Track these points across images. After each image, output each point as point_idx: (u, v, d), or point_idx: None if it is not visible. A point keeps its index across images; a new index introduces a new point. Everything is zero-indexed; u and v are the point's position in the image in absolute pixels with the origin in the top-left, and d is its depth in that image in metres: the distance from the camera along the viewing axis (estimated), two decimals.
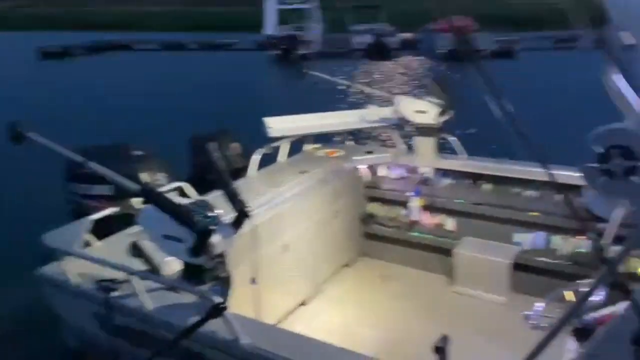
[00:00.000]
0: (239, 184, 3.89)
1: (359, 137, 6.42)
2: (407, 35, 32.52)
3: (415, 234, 5.09)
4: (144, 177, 4.93)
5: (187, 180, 4.38)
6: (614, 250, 4.08)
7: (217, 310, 2.27)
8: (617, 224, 3.15)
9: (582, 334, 2.01)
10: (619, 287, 1.34)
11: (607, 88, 1.38)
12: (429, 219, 5.06)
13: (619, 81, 1.29)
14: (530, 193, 4.60)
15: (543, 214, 4.52)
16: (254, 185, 4.51)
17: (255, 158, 4.87)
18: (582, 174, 1.33)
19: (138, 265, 2.99)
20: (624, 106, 1.30)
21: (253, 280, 2.98)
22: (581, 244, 4.40)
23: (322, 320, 4.40)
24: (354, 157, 5.15)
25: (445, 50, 27.19)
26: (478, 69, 1.45)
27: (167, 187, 3.91)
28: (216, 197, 2.78)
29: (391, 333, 4.18)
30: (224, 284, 2.50)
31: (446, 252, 4.82)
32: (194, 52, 33.52)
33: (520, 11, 39.59)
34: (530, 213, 4.59)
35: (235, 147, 6.11)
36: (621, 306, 2.18)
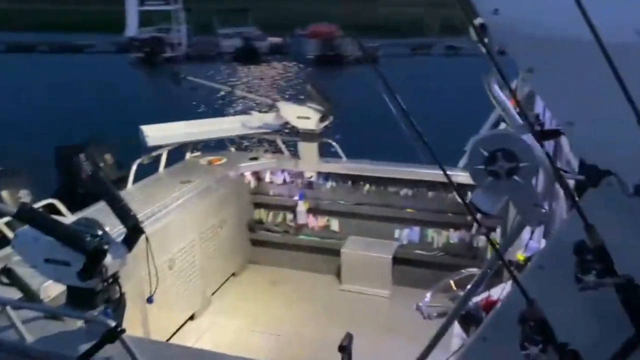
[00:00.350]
0: None
1: (242, 143, 6.39)
2: (276, 39, 32.92)
3: (303, 237, 5.20)
4: (5, 195, 4.43)
5: (54, 196, 4.03)
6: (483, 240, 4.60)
7: (114, 335, 2.13)
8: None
9: (466, 319, 2.23)
10: (508, 271, 1.51)
11: (489, 95, 1.55)
12: (315, 222, 5.20)
13: (499, 89, 1.46)
14: (405, 191, 4.94)
15: (418, 210, 4.88)
16: (134, 198, 4.28)
17: (133, 169, 4.62)
18: (471, 176, 1.48)
19: (10, 293, 2.69)
20: (505, 113, 1.48)
21: (149, 299, 2.83)
22: (452, 236, 4.85)
23: (214, 333, 4.32)
24: (239, 164, 5.12)
25: (313, 56, 27.98)
26: (376, 71, 1.54)
27: (36, 205, 3.56)
28: (96, 213, 2.60)
29: (285, 337, 4.22)
30: (116, 306, 2.35)
31: (333, 252, 4.99)
32: (45, 54, 30.69)
33: (381, 19, 42.15)
34: (407, 210, 4.93)
35: (108, 158, 5.75)
36: (496, 290, 2.45)
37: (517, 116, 1.48)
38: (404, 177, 4.91)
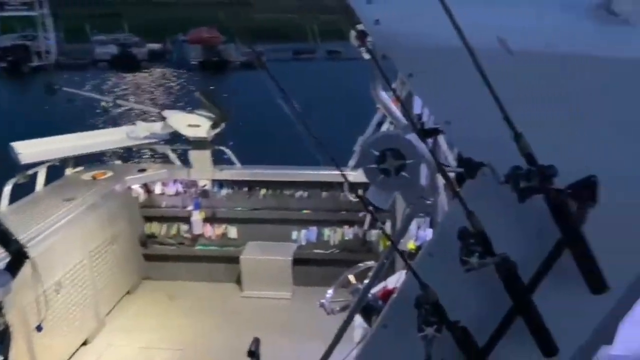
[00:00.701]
0: None
1: (128, 155, 6.09)
2: (156, 45, 31.74)
3: (200, 247, 5.10)
4: None
5: None
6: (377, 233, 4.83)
7: None
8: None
9: (366, 310, 2.34)
10: (403, 260, 1.63)
11: (374, 98, 1.66)
12: (211, 231, 5.12)
13: (385, 94, 1.57)
14: (301, 193, 5.04)
15: (313, 210, 5.01)
16: (11, 221, 3.92)
17: (7, 189, 4.23)
18: (365, 174, 1.57)
19: None
20: (392, 115, 1.60)
21: (39, 327, 2.62)
22: (347, 233, 5.04)
23: (111, 355, 4.09)
24: (125, 177, 4.89)
25: (197, 62, 27.37)
26: (270, 76, 1.58)
27: None
28: None
29: (189, 350, 4.12)
30: (1, 339, 2.16)
31: (232, 259, 4.95)
32: None
33: (263, 24, 42.27)
34: (304, 211, 5.03)
35: None
36: (392, 280, 2.61)
37: (401, 117, 1.60)
38: (299, 180, 5.01)
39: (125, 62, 29.15)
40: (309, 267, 4.99)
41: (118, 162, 5.35)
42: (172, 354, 4.08)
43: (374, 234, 4.90)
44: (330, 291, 2.65)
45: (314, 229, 5.11)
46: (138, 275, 5.05)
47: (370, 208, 1.76)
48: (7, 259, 2.20)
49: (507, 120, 1.40)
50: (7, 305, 2.25)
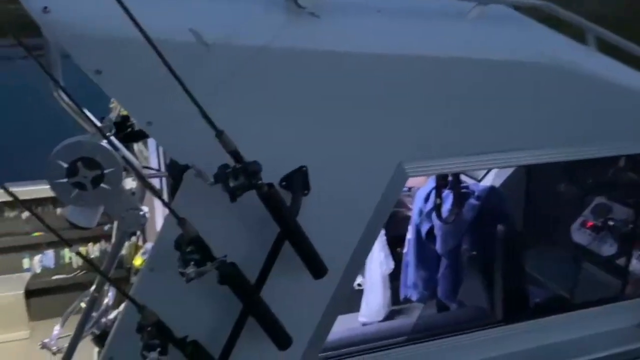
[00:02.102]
0: None
1: None
2: None
3: None
4: None
5: None
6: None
7: None
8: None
9: (103, 339, 2.07)
10: (113, 285, 1.44)
11: (60, 102, 1.41)
12: None
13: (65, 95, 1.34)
14: (27, 213, 4.32)
15: (46, 231, 4.35)
16: None
17: None
18: (53, 191, 1.33)
19: None
20: (81, 119, 1.38)
21: None
22: (92, 250, 4.52)
23: None
24: None
25: None
26: None
27: None
28: None
29: None
30: None
31: None
32: None
33: None
34: (34, 234, 4.34)
35: None
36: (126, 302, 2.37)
37: (96, 121, 1.40)
38: (23, 197, 4.28)
39: None
40: (49, 296, 4.33)
41: None
42: None
43: (124, 248, 4.50)
44: (57, 327, 2.28)
45: (50, 252, 4.44)
46: None
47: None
48: None
49: (205, 118, 1.32)
50: None
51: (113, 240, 4.33)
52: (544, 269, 2.89)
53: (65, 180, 1.32)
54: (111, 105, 3.79)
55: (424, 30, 1.83)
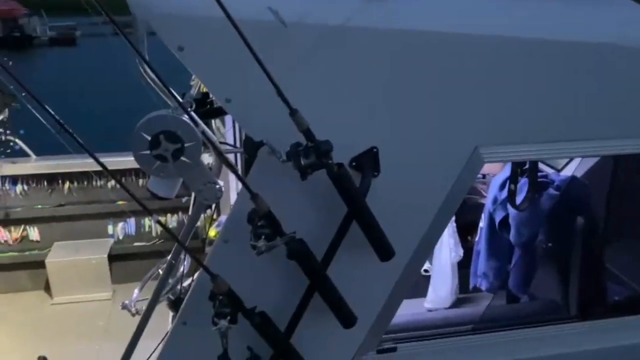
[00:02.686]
0: None
1: None
2: None
3: None
4: None
5: None
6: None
7: None
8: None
9: (177, 305, 2.19)
10: (190, 254, 1.51)
11: (145, 77, 1.49)
12: (7, 235, 4.46)
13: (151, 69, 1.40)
14: (113, 183, 4.61)
15: (130, 200, 4.62)
16: None
17: None
18: (137, 162, 1.41)
19: None
20: (164, 94, 1.44)
21: None
22: (170, 221, 4.76)
23: None
24: None
25: None
26: None
27: None
28: None
29: None
30: None
31: (37, 264, 4.38)
32: None
33: None
34: (119, 202, 4.63)
35: None
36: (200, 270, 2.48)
37: (177, 96, 1.46)
38: (110, 168, 4.56)
39: None
40: (130, 262, 4.63)
41: None
42: None
43: (201, 219, 4.71)
44: (136, 290, 2.44)
45: (132, 221, 4.74)
46: None
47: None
48: None
49: (280, 96, 1.34)
50: None
51: (190, 211, 4.52)
52: (626, 267, 2.72)
53: (148, 152, 1.39)
54: (192, 82, 3.93)
55: (506, 10, 1.75)
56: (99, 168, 1.36)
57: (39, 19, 28.55)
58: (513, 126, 1.74)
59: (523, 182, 2.88)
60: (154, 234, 4.77)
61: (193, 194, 3.99)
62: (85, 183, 4.57)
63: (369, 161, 1.60)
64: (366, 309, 1.78)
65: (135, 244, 4.70)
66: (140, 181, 4.52)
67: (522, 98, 1.71)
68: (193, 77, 3.82)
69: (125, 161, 4.25)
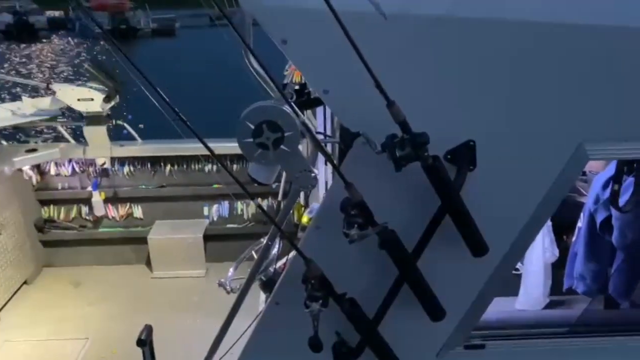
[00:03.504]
0: None
1: (13, 134, 5.59)
2: (56, 13, 29.41)
3: (104, 229, 4.83)
4: None
5: None
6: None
7: None
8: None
9: (269, 285, 2.29)
10: (286, 238, 1.58)
11: (250, 68, 1.56)
12: (115, 212, 4.86)
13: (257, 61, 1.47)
14: (210, 167, 4.87)
15: (224, 184, 4.86)
16: None
17: None
18: (241, 149, 1.48)
19: None
20: (267, 84, 1.51)
21: None
22: (262, 205, 4.95)
23: (8, 351, 3.81)
24: (13, 159, 4.48)
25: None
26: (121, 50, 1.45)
27: None
28: None
29: (96, 339, 3.92)
30: None
31: (140, 240, 4.74)
32: None
33: None
34: (214, 185, 4.89)
35: None
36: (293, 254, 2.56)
37: (279, 86, 1.52)
38: (207, 153, 4.81)
39: (22, 32, 26.81)
40: (223, 242, 4.88)
41: (3, 142, 4.90)
42: (76, 344, 3.87)
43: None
44: (231, 270, 2.58)
45: (225, 203, 4.98)
46: (36, 264, 4.71)
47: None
48: None
49: (378, 88, 1.35)
50: None
51: (279, 196, 4.65)
52: None
53: (251, 140, 1.46)
54: (285, 73, 4.02)
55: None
56: (197, 153, 1.44)
57: (142, 11, 30.32)
58: (621, 122, 1.63)
59: (629, 182, 2.69)
60: (245, 217, 4.99)
61: (282, 181, 4.15)
62: (185, 166, 4.86)
63: (465, 155, 1.57)
64: (455, 304, 1.76)
65: (228, 225, 4.95)
66: (234, 166, 4.74)
67: (631, 92, 1.60)
68: (286, 67, 3.94)
69: (221, 147, 4.47)
